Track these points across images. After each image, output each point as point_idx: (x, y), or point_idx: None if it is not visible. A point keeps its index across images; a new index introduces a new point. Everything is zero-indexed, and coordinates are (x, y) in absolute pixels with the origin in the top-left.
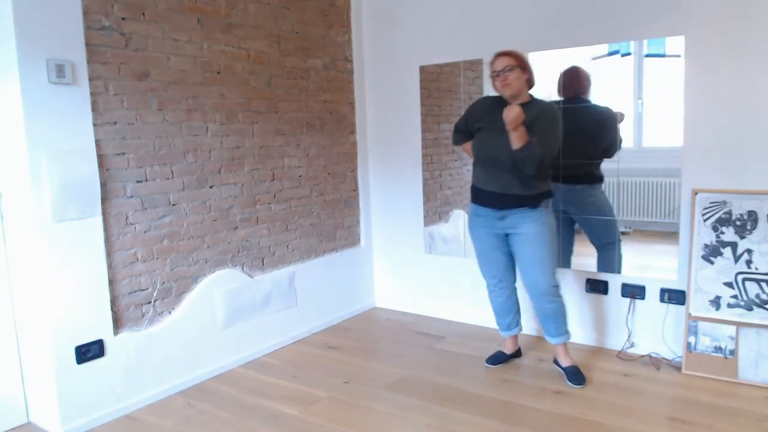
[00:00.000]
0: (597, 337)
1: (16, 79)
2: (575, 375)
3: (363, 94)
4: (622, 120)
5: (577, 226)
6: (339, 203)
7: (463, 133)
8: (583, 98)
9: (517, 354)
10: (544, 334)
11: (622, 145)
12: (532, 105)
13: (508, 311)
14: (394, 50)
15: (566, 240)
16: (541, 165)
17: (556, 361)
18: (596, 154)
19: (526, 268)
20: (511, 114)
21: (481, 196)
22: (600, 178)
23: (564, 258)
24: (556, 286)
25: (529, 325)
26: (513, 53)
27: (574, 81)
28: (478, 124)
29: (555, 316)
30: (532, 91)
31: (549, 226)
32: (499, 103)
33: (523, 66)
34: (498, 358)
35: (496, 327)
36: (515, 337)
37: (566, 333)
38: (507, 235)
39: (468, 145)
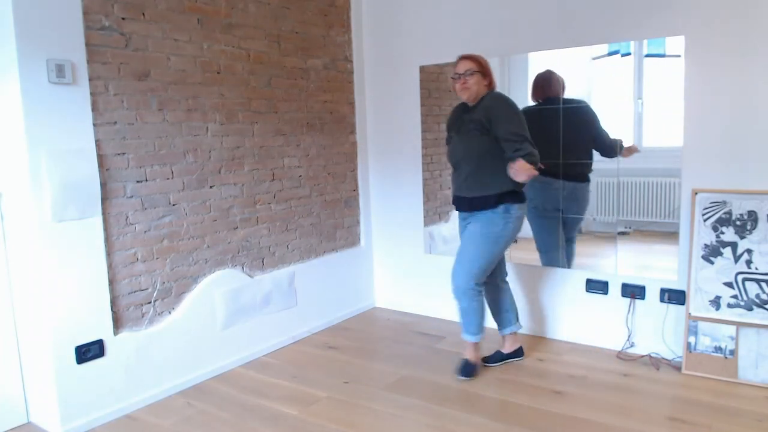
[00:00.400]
0: (597, 337)
1: (16, 79)
2: (464, 368)
3: (363, 94)
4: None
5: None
6: (339, 203)
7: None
8: (556, 99)
9: (517, 353)
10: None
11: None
12: (482, 100)
13: (506, 310)
14: (394, 50)
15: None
16: (532, 148)
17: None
18: (583, 150)
19: (455, 261)
20: (522, 174)
21: (455, 201)
22: (588, 177)
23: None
24: (470, 289)
25: (529, 325)
26: (475, 57)
27: (545, 84)
28: (449, 133)
29: (465, 314)
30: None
31: (494, 230)
32: (463, 110)
33: (483, 71)
34: (470, 369)
35: (491, 327)
36: (514, 335)
37: (476, 334)
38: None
39: None
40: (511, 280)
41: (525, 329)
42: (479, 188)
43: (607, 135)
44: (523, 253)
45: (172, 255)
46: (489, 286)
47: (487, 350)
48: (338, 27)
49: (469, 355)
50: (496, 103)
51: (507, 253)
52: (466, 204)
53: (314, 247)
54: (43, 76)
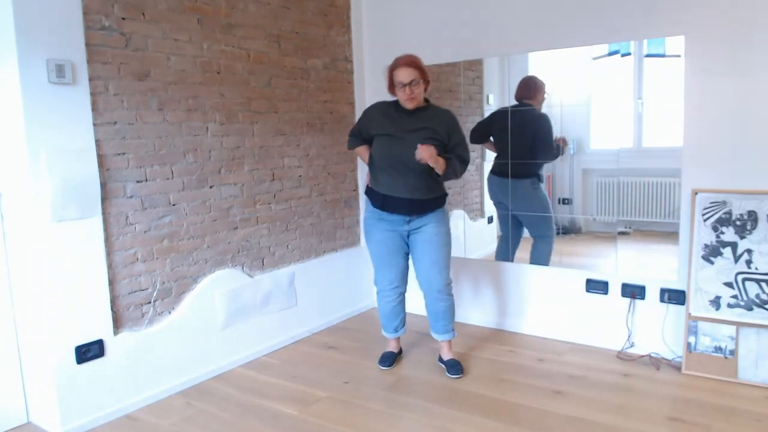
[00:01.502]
0: (597, 337)
1: (16, 79)
2: (455, 367)
3: (363, 94)
4: (564, 145)
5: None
6: (339, 203)
7: (357, 138)
8: (528, 103)
9: (401, 352)
10: (431, 330)
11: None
12: (428, 108)
13: (398, 314)
14: (394, 50)
15: (514, 236)
16: (463, 171)
17: (439, 358)
18: (536, 154)
19: (425, 267)
20: (426, 153)
21: (388, 203)
22: (540, 176)
23: (511, 252)
24: (449, 285)
25: (528, 325)
26: (417, 64)
27: (523, 87)
28: (376, 130)
29: (445, 314)
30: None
31: (448, 228)
32: (396, 109)
33: (426, 78)
34: (391, 359)
35: (491, 327)
36: (399, 338)
37: (452, 331)
38: (408, 235)
39: (362, 150)
40: (512, 279)
41: (525, 329)
42: (431, 191)
43: (549, 140)
44: (522, 253)
45: (172, 255)
46: (400, 291)
47: (487, 350)
48: (338, 27)
49: (448, 355)
50: (454, 123)
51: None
52: (412, 206)
53: (314, 247)
54: (43, 76)
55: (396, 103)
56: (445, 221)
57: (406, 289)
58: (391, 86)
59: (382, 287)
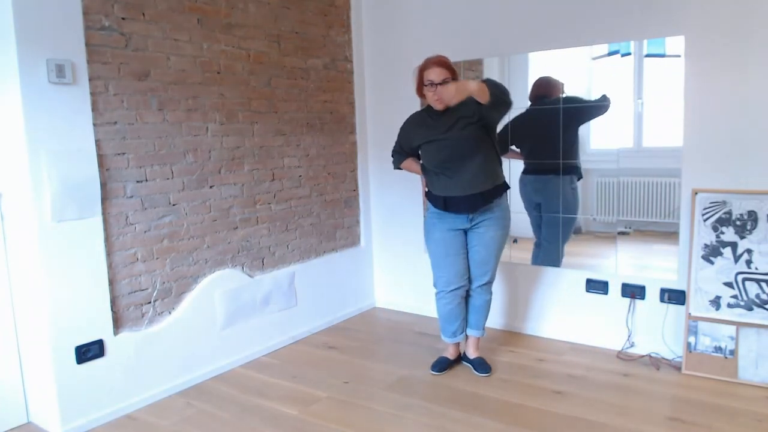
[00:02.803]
0: (597, 337)
1: (16, 79)
2: (482, 365)
3: (363, 94)
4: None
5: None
6: (339, 203)
7: (401, 154)
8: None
9: (459, 359)
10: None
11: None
12: (465, 102)
13: (456, 317)
14: (394, 50)
15: (554, 235)
16: (507, 97)
17: (464, 356)
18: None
19: (481, 262)
20: (449, 93)
21: (450, 204)
22: (579, 172)
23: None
24: (490, 283)
25: (529, 325)
26: (448, 63)
27: (541, 86)
28: (419, 141)
29: (480, 309)
30: None
31: (507, 223)
32: (429, 114)
33: (456, 77)
34: (444, 364)
35: (491, 327)
36: (458, 343)
37: (483, 329)
38: (467, 231)
39: (409, 164)
40: (512, 279)
41: (525, 329)
42: (492, 179)
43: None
44: (523, 253)
45: (172, 255)
46: (459, 294)
47: (488, 350)
48: (338, 27)
49: (476, 353)
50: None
51: (506, 252)
52: (474, 202)
53: (314, 247)
54: (43, 76)
55: (428, 108)
56: (504, 223)
57: (465, 291)
58: (420, 87)
59: (439, 288)
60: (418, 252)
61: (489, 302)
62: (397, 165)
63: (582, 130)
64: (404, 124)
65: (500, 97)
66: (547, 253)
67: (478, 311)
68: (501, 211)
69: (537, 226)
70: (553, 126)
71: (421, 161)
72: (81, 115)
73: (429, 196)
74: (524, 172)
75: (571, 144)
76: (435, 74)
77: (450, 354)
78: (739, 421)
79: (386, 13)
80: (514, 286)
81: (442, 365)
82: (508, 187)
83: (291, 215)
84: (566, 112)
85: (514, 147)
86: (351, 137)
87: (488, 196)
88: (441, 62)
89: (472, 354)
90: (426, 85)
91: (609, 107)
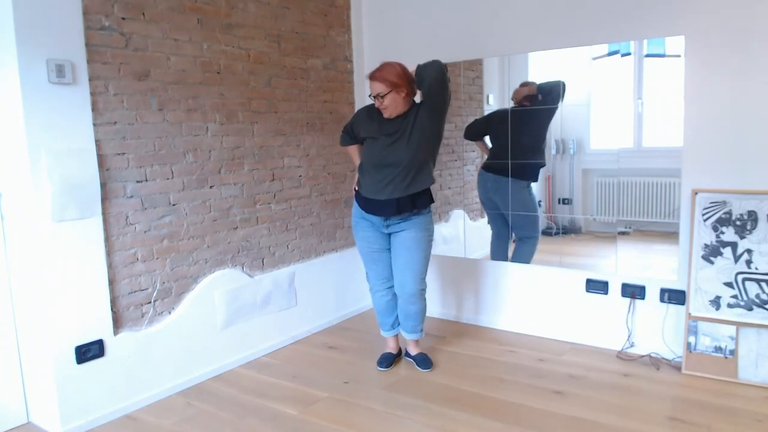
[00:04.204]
0: (597, 337)
1: (16, 80)
2: (424, 361)
3: (363, 94)
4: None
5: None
6: (339, 203)
7: (349, 136)
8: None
9: (400, 353)
10: (400, 328)
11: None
12: (411, 109)
13: (392, 310)
14: (394, 50)
15: (505, 235)
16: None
17: (406, 353)
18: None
19: (398, 270)
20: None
21: (370, 205)
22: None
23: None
24: (423, 290)
25: (528, 325)
26: (385, 77)
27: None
28: (364, 133)
29: (416, 316)
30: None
31: (429, 232)
32: (380, 113)
33: (397, 86)
34: (389, 360)
35: (491, 327)
36: (397, 336)
37: (421, 331)
38: (389, 235)
39: (353, 150)
40: (512, 279)
41: (525, 329)
42: (419, 185)
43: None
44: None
45: (172, 255)
46: (390, 286)
47: (488, 350)
48: (338, 27)
49: (416, 350)
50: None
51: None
52: (388, 207)
53: (314, 247)
54: (43, 76)
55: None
56: (426, 227)
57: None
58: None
59: (373, 283)
60: None
61: (419, 309)
62: (343, 143)
63: (582, 131)
64: (360, 110)
65: (430, 76)
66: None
67: (414, 317)
68: (422, 218)
69: (494, 220)
70: (526, 127)
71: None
72: (81, 115)
73: (356, 193)
74: (485, 168)
75: (540, 144)
76: (373, 88)
77: (392, 348)
78: (739, 421)
79: (386, 13)
80: (514, 287)
81: (389, 361)
82: (432, 201)
83: (291, 215)
84: (534, 113)
85: (486, 138)
86: None
87: (405, 204)
88: (378, 76)
89: (413, 351)
90: (370, 96)
91: (559, 96)
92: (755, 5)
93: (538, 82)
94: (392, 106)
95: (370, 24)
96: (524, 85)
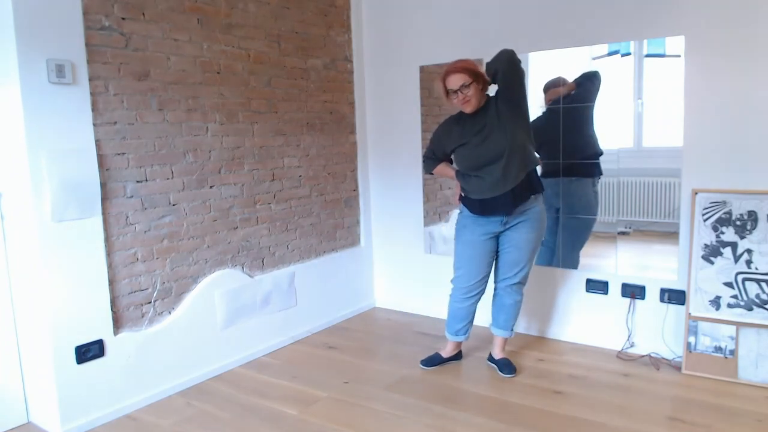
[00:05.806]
0: (597, 337)
1: (16, 79)
2: (508, 366)
3: (363, 94)
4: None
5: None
6: (339, 203)
7: (434, 160)
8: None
9: (456, 357)
10: (491, 325)
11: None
12: (488, 103)
13: (465, 317)
14: (394, 50)
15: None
16: (506, 62)
17: (489, 357)
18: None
19: (512, 263)
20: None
21: (485, 206)
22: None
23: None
24: (522, 284)
25: (528, 325)
26: (466, 67)
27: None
28: (452, 145)
29: (510, 309)
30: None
31: (542, 225)
32: (460, 117)
33: (477, 78)
34: (436, 361)
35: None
36: (459, 344)
37: (512, 330)
38: (499, 235)
39: (441, 168)
40: None
41: (525, 329)
42: (524, 170)
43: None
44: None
45: (172, 255)
46: (477, 295)
47: (488, 350)
48: (338, 27)
49: (501, 354)
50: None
51: None
52: (507, 200)
53: (314, 247)
54: (43, 76)
55: (460, 112)
56: (538, 225)
57: (480, 297)
58: (446, 95)
59: (462, 287)
60: (418, 252)
61: (519, 303)
62: (428, 170)
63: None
64: (437, 129)
65: (501, 66)
66: (566, 256)
67: (507, 310)
68: (535, 213)
69: (551, 228)
70: (566, 125)
71: (455, 166)
72: (81, 115)
73: (464, 200)
74: (542, 176)
75: (589, 137)
76: (452, 82)
77: (446, 352)
78: (739, 421)
79: (386, 13)
80: None
81: (433, 362)
82: (543, 189)
83: (291, 215)
84: (573, 107)
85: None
86: (351, 137)
87: (521, 191)
88: (459, 68)
89: (497, 354)
90: (449, 94)
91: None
92: (755, 5)
93: (569, 78)
94: (475, 97)
95: (370, 24)
96: (555, 84)
